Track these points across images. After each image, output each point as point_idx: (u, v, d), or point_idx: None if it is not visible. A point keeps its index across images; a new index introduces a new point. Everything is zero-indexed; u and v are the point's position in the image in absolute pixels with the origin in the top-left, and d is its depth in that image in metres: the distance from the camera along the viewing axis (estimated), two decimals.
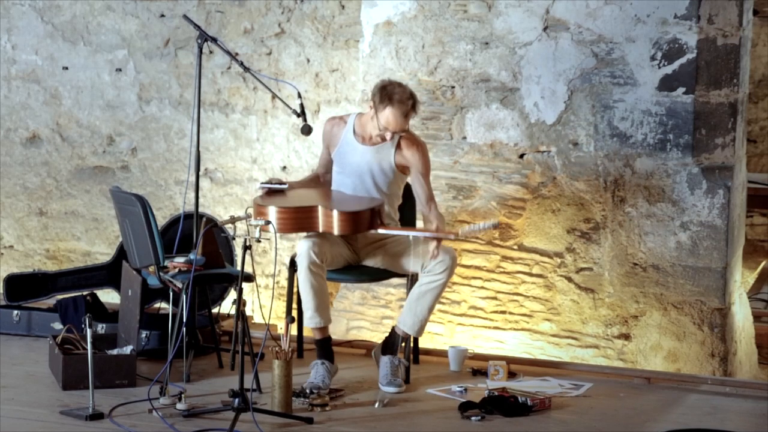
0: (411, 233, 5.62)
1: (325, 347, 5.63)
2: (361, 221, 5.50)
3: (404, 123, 5.65)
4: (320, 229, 5.50)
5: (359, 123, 5.80)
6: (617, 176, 6.30)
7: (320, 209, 5.50)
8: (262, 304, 5.50)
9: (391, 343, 5.70)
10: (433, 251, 5.51)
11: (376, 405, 5.33)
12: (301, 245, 5.56)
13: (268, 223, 5.27)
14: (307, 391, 5.36)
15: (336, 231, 5.48)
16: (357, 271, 5.85)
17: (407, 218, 6.02)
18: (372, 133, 5.70)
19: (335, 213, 5.46)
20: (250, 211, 5.52)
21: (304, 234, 5.63)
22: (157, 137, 7.51)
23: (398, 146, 5.74)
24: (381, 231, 5.59)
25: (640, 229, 6.28)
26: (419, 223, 6.36)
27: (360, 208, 5.55)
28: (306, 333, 6.16)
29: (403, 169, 5.78)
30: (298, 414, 5.12)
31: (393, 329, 5.72)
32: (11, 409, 5.15)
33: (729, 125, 6.25)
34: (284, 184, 5.76)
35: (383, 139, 5.69)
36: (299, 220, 5.50)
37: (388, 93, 5.62)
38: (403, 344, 5.73)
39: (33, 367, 5.84)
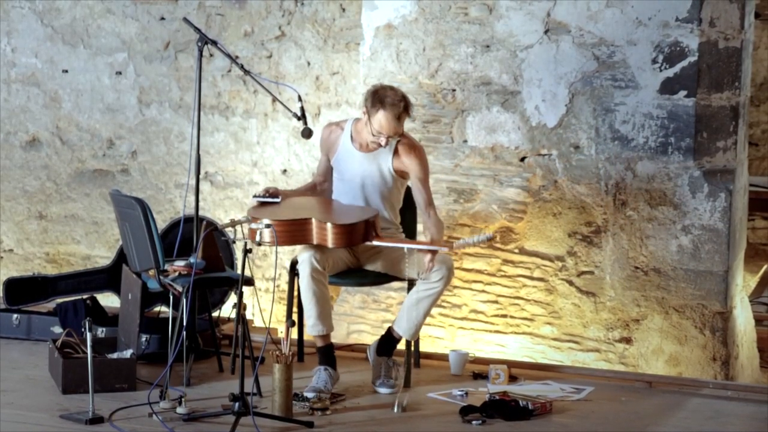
0: (405, 246, 5.56)
1: (328, 354, 5.61)
2: (356, 233, 5.44)
3: (397, 126, 5.55)
4: (314, 242, 5.45)
5: (356, 129, 5.71)
6: (618, 179, 6.29)
7: (314, 221, 5.44)
8: (263, 307, 5.49)
9: (387, 344, 5.70)
10: (428, 264, 5.49)
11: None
12: (302, 252, 5.53)
13: (269, 226, 5.25)
14: (307, 395, 5.34)
15: (330, 244, 5.42)
16: (357, 275, 5.83)
17: (408, 223, 6.00)
18: (367, 139, 5.62)
19: (329, 226, 5.41)
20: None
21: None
22: (157, 140, 7.50)
23: (396, 152, 5.68)
24: (375, 243, 5.53)
25: (641, 233, 6.27)
26: (420, 227, 6.35)
27: (354, 220, 5.47)
28: (306, 337, 6.15)
29: (402, 174, 5.72)
30: (299, 418, 5.11)
31: (389, 330, 5.71)
32: (11, 413, 5.14)
33: (730, 128, 6.24)
34: (278, 197, 5.69)
35: (379, 145, 5.63)
36: (293, 232, 5.44)
37: (380, 97, 5.54)
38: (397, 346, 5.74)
39: (33, 371, 5.82)
